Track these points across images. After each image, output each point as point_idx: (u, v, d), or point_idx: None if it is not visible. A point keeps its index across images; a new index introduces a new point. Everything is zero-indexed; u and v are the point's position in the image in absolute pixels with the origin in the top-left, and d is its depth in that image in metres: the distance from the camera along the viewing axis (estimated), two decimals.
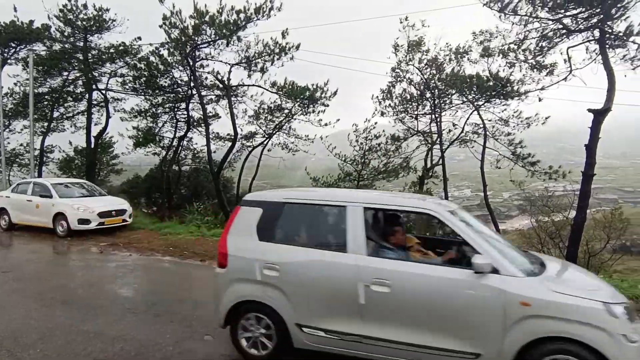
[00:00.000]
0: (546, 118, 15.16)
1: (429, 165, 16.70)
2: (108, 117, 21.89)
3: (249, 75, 17.34)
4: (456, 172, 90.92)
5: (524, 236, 22.27)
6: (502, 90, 14.54)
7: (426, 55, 16.83)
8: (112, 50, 19.89)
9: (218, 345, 4.19)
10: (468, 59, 15.66)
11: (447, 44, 17.18)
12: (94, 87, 21.03)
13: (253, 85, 18.25)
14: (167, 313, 5.11)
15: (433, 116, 16.57)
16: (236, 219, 3.96)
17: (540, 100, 13.26)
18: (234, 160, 22.53)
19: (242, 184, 23.96)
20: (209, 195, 24.17)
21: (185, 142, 22.80)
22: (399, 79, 17.57)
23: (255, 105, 19.81)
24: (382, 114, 17.08)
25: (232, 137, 18.52)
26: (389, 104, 17.48)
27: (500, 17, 11.40)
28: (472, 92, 15.41)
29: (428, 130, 16.86)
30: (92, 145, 22.55)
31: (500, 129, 15.87)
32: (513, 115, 15.37)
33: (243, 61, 17.10)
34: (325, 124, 19.80)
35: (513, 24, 11.60)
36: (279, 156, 23.33)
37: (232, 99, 18.62)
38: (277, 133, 21.90)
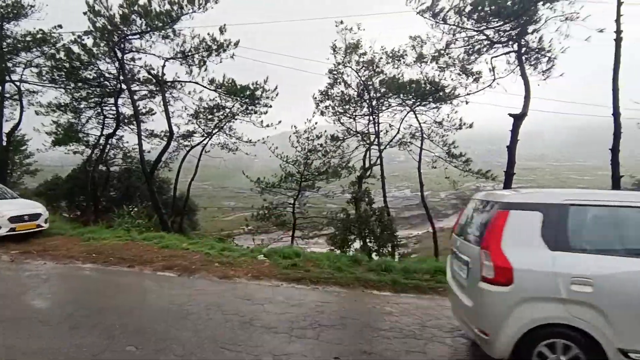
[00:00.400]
0: (471, 124, 16.46)
1: (367, 165, 17.24)
2: (22, 111, 19.77)
3: (188, 72, 16.67)
4: (397, 173, 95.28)
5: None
6: (435, 94, 15.53)
7: (363, 57, 17.35)
8: (28, 39, 18.08)
9: (143, 356, 3.95)
10: (404, 63, 16.49)
11: (382, 47, 17.86)
12: (7, 78, 18.91)
13: (190, 81, 17.56)
14: (86, 324, 4.71)
15: (371, 117, 17.17)
16: (507, 226, 3.37)
17: (467, 103, 14.45)
18: (170, 161, 21.48)
19: (180, 185, 22.92)
20: (143, 197, 22.79)
21: (114, 140, 21.27)
22: (337, 80, 17.95)
23: (194, 103, 19.09)
24: (322, 113, 17.37)
25: (168, 136, 17.64)
26: (328, 105, 17.83)
27: (432, 25, 12.20)
28: (409, 95, 16.25)
29: (366, 131, 17.46)
30: (4, 143, 20.20)
31: (435, 131, 16.93)
32: (446, 119, 16.49)
33: (178, 56, 16.38)
34: (267, 125, 19.67)
35: (443, 32, 12.49)
36: (219, 157, 22.70)
37: (168, 95, 17.76)
38: (217, 133, 21.28)
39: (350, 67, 17.52)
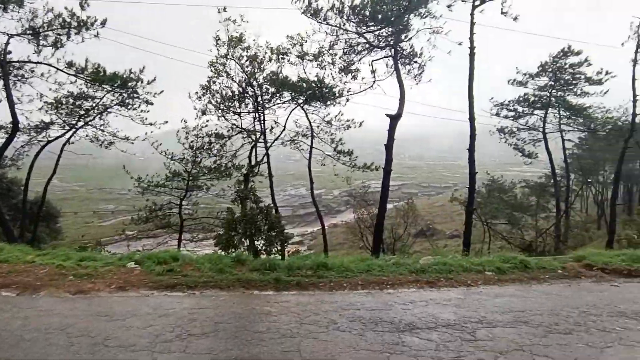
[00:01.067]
0: (360, 123, 17.50)
1: (253, 162, 16.91)
2: None
3: (36, 51, 14.06)
4: (292, 172, 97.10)
5: (349, 228, 25.16)
6: (320, 93, 16.05)
7: (247, 51, 16.96)
8: None
9: None
10: (288, 60, 16.56)
11: (267, 42, 17.61)
12: None
13: (40, 62, 14.88)
14: None
15: (256, 114, 16.85)
16: None
17: (347, 101, 15.35)
18: (19, 157, 18.05)
19: (34, 186, 19.43)
20: None
21: None
22: (219, 73, 17.16)
23: (52, 89, 16.31)
24: (204, 112, 16.49)
25: (12, 127, 14.70)
26: (210, 100, 16.91)
27: (316, 24, 12.56)
28: (297, 94, 16.45)
29: (252, 129, 17.07)
30: None
31: (324, 129, 17.51)
32: (335, 118, 17.16)
33: (28, 32, 13.78)
34: (151, 123, 17.91)
35: (327, 33, 12.98)
36: (88, 154, 19.95)
37: (13, 78, 14.81)
38: (84, 127, 18.63)
39: (234, 60, 16.93)
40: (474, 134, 11.91)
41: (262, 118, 16.58)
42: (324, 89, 15.77)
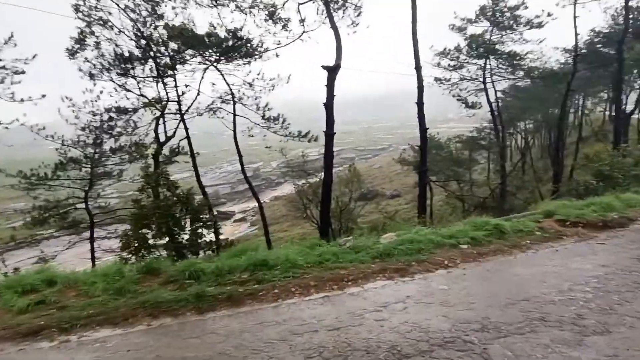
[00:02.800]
0: (288, 77, 15.20)
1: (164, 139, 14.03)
2: None
3: None
4: (226, 148, 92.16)
5: (290, 201, 23.55)
6: (240, 48, 13.51)
7: None
8: None
9: None
10: (195, 2, 13.22)
11: None
12: None
13: None
14: None
15: (159, 79, 13.64)
16: None
17: (277, 56, 13.06)
18: None
19: None
20: None
21: None
22: (92, 22, 12.79)
23: None
24: (92, 76, 12.91)
25: None
26: (99, 62, 13.21)
27: None
28: (208, 50, 13.68)
29: (158, 97, 13.84)
30: None
31: (247, 94, 15.04)
32: (258, 78, 14.66)
33: None
34: (22, 100, 14.07)
35: None
36: None
37: None
38: None
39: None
40: (421, 85, 10.59)
41: (175, 84, 13.58)
42: (241, 43, 13.23)
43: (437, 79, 20.74)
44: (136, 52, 12.75)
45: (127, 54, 12.46)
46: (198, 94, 13.89)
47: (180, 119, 13.20)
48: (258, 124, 14.77)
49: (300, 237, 42.62)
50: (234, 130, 14.72)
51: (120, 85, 12.64)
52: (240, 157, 15.03)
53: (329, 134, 9.82)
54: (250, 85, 14.49)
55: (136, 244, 7.17)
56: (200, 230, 7.96)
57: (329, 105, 9.92)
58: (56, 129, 14.75)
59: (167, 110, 13.36)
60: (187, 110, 13.93)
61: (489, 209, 13.19)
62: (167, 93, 12.31)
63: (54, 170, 13.63)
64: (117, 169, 16.11)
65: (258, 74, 14.38)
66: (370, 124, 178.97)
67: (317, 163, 25.12)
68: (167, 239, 7.47)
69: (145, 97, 12.56)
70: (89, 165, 15.28)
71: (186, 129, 13.52)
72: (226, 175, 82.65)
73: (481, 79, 20.48)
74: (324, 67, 9.82)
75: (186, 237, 7.87)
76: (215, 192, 70.90)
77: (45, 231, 16.19)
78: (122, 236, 7.55)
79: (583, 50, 23.25)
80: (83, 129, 13.50)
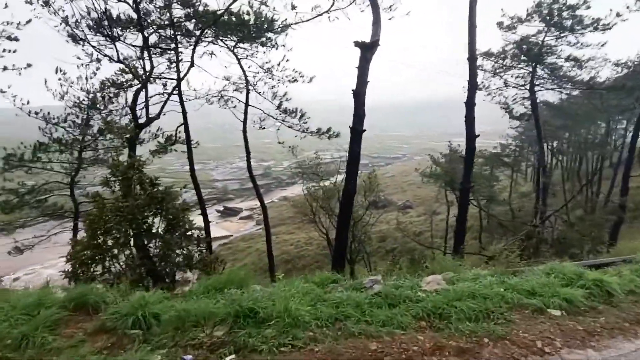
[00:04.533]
0: (311, 78, 13.15)
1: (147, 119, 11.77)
2: None
3: None
4: (239, 143, 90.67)
5: (296, 205, 21.52)
6: (263, 29, 11.40)
7: None
8: None
9: None
10: None
11: None
12: None
13: None
14: None
15: (145, 50, 11.09)
16: None
17: (301, 22, 10.86)
18: None
19: None
20: None
21: None
22: None
23: None
24: (74, 38, 10.80)
25: None
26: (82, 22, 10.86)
27: None
28: (228, 33, 11.64)
29: (135, 67, 11.45)
30: None
31: (264, 80, 12.96)
32: (277, 67, 12.55)
33: None
34: (5, 68, 12.25)
35: None
36: None
37: None
38: None
39: None
40: (474, 82, 8.36)
41: (177, 59, 11.42)
42: (260, 21, 11.11)
43: (482, 86, 18.21)
44: (133, 15, 10.74)
45: (117, 15, 10.45)
46: (192, 66, 11.55)
47: (180, 102, 11.18)
48: (272, 116, 12.73)
49: (306, 242, 40.49)
50: (244, 122, 12.71)
51: (95, 48, 10.37)
52: (248, 153, 13.02)
53: (357, 130, 7.65)
54: (270, 71, 12.46)
55: (87, 256, 5.22)
56: (180, 242, 5.94)
57: (359, 93, 7.74)
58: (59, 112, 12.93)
59: (165, 90, 11.39)
60: (172, 92, 11.67)
61: (540, 243, 10.90)
62: (151, 64, 10.11)
63: (33, 152, 11.76)
64: (112, 154, 14.18)
65: (280, 62, 12.39)
66: (385, 130, 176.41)
67: (332, 166, 22.99)
68: (129, 251, 5.50)
69: (123, 63, 10.50)
70: (77, 148, 13.41)
71: (184, 113, 11.48)
72: (236, 171, 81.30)
73: (527, 87, 17.96)
74: (357, 44, 7.68)
75: (159, 248, 5.88)
76: (225, 187, 69.39)
77: (26, 218, 14.34)
78: (72, 243, 5.60)
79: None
80: (72, 106, 11.61)
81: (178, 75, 10.99)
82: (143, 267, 5.50)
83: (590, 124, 26.52)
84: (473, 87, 8.68)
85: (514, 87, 18.12)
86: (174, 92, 11.14)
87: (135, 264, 5.64)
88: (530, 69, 17.28)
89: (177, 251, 5.94)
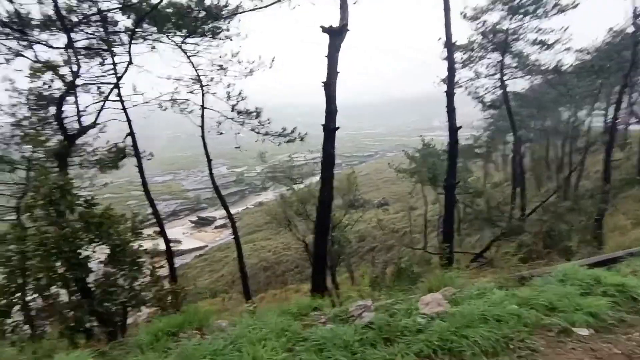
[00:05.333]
0: (272, 60, 12.04)
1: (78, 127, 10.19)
2: None
3: None
4: (210, 150, 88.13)
5: (270, 213, 20.53)
6: (211, 19, 10.26)
7: None
8: None
9: None
10: None
11: None
12: None
13: None
14: None
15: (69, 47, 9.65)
16: None
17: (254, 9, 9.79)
18: None
19: None
20: None
21: None
22: None
23: None
24: None
25: None
26: None
27: None
28: (171, 28, 10.42)
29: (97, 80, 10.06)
30: None
31: (216, 79, 11.75)
32: (233, 57, 11.37)
33: None
34: None
35: None
36: None
37: None
38: None
39: None
40: (452, 67, 7.71)
41: (112, 61, 9.96)
42: (218, 13, 9.94)
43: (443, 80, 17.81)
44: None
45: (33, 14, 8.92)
46: (129, 64, 10.14)
47: (122, 107, 9.84)
48: (230, 118, 11.61)
49: (285, 247, 39.35)
50: (202, 127, 11.53)
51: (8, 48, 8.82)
52: (209, 160, 11.87)
53: (329, 127, 6.78)
54: (222, 67, 11.28)
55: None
56: (127, 273, 4.85)
57: (329, 84, 6.84)
58: None
59: (101, 96, 9.97)
60: (114, 99, 10.27)
61: (536, 238, 10.19)
62: (78, 65, 8.62)
63: None
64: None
65: (234, 53, 11.20)
66: (357, 130, 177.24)
67: (305, 168, 22.13)
68: (55, 287, 4.39)
69: (39, 62, 9.00)
70: (24, 167, 11.89)
71: (129, 120, 10.15)
72: (208, 179, 78.76)
73: (497, 76, 17.76)
74: (324, 30, 6.81)
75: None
76: (197, 196, 67.11)
77: None
78: None
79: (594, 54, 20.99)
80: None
81: (116, 77, 9.67)
82: (78, 311, 4.42)
83: (556, 111, 26.98)
84: (452, 73, 8.03)
85: (485, 77, 17.93)
86: (111, 98, 9.77)
87: (71, 306, 4.55)
88: (500, 58, 17.08)
89: (125, 285, 4.87)
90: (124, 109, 9.50)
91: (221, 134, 11.63)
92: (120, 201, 60.46)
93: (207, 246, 45.51)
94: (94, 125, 8.61)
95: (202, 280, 35.19)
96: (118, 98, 9.32)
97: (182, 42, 10.91)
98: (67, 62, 7.19)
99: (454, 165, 8.97)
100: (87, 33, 8.77)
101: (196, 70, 11.09)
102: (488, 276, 5.23)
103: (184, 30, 10.34)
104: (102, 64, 9.11)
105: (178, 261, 43.67)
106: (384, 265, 8.17)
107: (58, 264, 4.44)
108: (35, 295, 4.41)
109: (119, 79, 9.23)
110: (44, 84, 7.17)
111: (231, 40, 10.97)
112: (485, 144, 31.60)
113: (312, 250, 7.60)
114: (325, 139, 7.02)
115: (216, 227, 53.57)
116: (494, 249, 8.97)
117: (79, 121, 8.16)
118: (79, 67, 7.51)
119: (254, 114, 11.34)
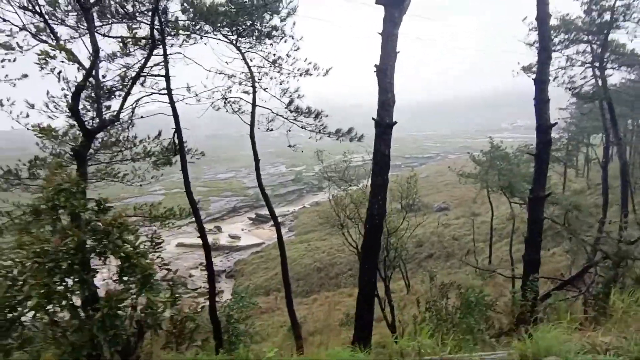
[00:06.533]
0: (327, 70, 10.85)
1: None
2: None
3: None
4: (271, 149, 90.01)
5: (322, 216, 19.45)
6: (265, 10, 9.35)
7: None
8: None
9: None
10: None
11: None
12: None
13: None
14: None
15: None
16: None
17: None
18: None
19: None
20: None
21: None
22: None
23: None
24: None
25: None
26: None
27: None
28: (224, 26, 9.70)
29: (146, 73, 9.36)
30: None
31: (270, 74, 10.82)
32: (287, 56, 10.36)
33: None
34: None
35: None
36: None
37: None
38: None
39: None
40: (547, 47, 5.81)
41: (164, 52, 9.35)
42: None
43: (525, 68, 15.19)
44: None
45: None
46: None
47: (170, 101, 9.23)
48: (281, 116, 10.66)
49: (339, 249, 38.32)
50: (252, 125, 10.70)
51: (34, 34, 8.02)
52: (257, 160, 11.01)
53: (384, 123, 5.39)
54: (276, 63, 10.29)
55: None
56: (138, 293, 4.00)
57: (384, 69, 5.39)
58: None
59: (148, 89, 9.55)
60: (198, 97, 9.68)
61: None
62: (94, 45, 7.82)
63: (29, 167, 10.44)
64: (116, 169, 12.76)
65: (290, 51, 10.20)
66: (419, 131, 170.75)
67: (361, 170, 20.77)
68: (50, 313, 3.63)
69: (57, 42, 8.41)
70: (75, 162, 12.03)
71: (175, 115, 9.50)
72: (268, 177, 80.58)
73: (594, 64, 14.66)
74: (378, 0, 5.45)
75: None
76: (256, 194, 68.64)
77: None
78: None
79: None
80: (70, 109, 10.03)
81: (167, 71, 9.04)
82: (76, 334, 3.66)
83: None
84: (546, 54, 6.11)
85: (581, 64, 14.86)
86: (161, 92, 9.23)
87: (73, 328, 3.82)
88: (601, 40, 13.96)
89: (130, 312, 4.05)
90: (172, 104, 8.94)
91: (271, 130, 10.76)
92: (184, 196, 63.83)
93: (263, 243, 45.83)
94: (117, 118, 8.06)
95: (257, 277, 35.30)
96: (166, 92, 8.79)
97: (236, 40, 10.23)
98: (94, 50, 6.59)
99: (543, 172, 6.93)
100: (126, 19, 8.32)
101: (249, 68, 10.27)
102: (604, 334, 3.59)
103: (236, 29, 9.58)
104: (167, 56, 8.62)
105: (236, 256, 44.63)
106: (444, 289, 6.69)
107: (56, 279, 3.70)
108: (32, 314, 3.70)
109: (167, 74, 8.67)
110: (58, 72, 6.70)
111: (285, 41, 10.02)
112: (565, 147, 27.66)
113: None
114: (377, 137, 5.60)
115: (273, 225, 53.86)
116: (590, 277, 6.98)
117: (99, 114, 7.67)
118: (97, 51, 6.87)
119: (310, 112, 10.32)
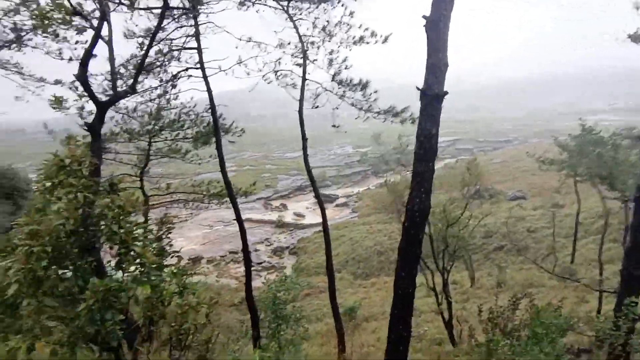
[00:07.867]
0: (386, 36, 9.40)
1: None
2: None
3: None
4: (338, 130, 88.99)
5: (378, 201, 18.22)
6: None
7: None
8: None
9: None
10: None
11: None
12: None
13: None
14: None
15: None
16: None
17: None
18: None
19: None
20: None
21: None
22: None
23: None
24: None
25: None
26: None
27: None
28: None
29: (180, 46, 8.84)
30: None
31: (317, 43, 9.66)
32: (340, 23, 9.09)
33: None
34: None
35: None
36: None
37: None
38: None
39: None
40: None
41: (195, 23, 8.69)
42: None
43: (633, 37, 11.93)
44: None
45: None
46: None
47: (202, 76, 8.68)
48: (330, 90, 9.55)
49: (400, 233, 36.74)
50: (301, 100, 9.79)
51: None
52: (305, 139, 10.15)
53: (432, 93, 4.05)
54: (324, 31, 9.12)
55: None
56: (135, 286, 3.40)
57: (436, 23, 4.02)
58: None
59: (183, 65, 9.03)
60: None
61: None
62: (102, 5, 7.15)
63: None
64: (179, 146, 13.02)
65: (340, 20, 8.95)
66: (493, 112, 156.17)
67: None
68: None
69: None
70: (146, 139, 12.45)
71: (209, 90, 8.92)
72: (334, 157, 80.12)
73: None
74: None
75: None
76: (322, 174, 68.71)
77: None
78: None
79: None
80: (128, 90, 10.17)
81: (198, 44, 8.41)
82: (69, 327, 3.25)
83: None
84: None
85: None
86: (195, 67, 8.67)
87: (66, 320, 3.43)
88: None
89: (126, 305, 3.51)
90: (205, 78, 8.41)
91: (317, 107, 9.79)
92: (257, 173, 66.19)
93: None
94: (133, 89, 7.55)
95: (318, 256, 35.28)
96: (199, 65, 8.25)
97: (287, 6, 9.29)
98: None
99: None
100: None
101: (300, 36, 9.28)
102: None
103: None
104: (198, 25, 8.06)
105: (300, 234, 45.16)
106: (515, 302, 5.35)
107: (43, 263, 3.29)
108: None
109: (199, 46, 8.05)
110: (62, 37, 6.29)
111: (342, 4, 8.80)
112: None
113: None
114: (422, 111, 4.24)
115: (337, 206, 53.52)
116: None
117: (113, 85, 7.24)
118: (105, 11, 6.17)
119: (359, 85, 9.08)
